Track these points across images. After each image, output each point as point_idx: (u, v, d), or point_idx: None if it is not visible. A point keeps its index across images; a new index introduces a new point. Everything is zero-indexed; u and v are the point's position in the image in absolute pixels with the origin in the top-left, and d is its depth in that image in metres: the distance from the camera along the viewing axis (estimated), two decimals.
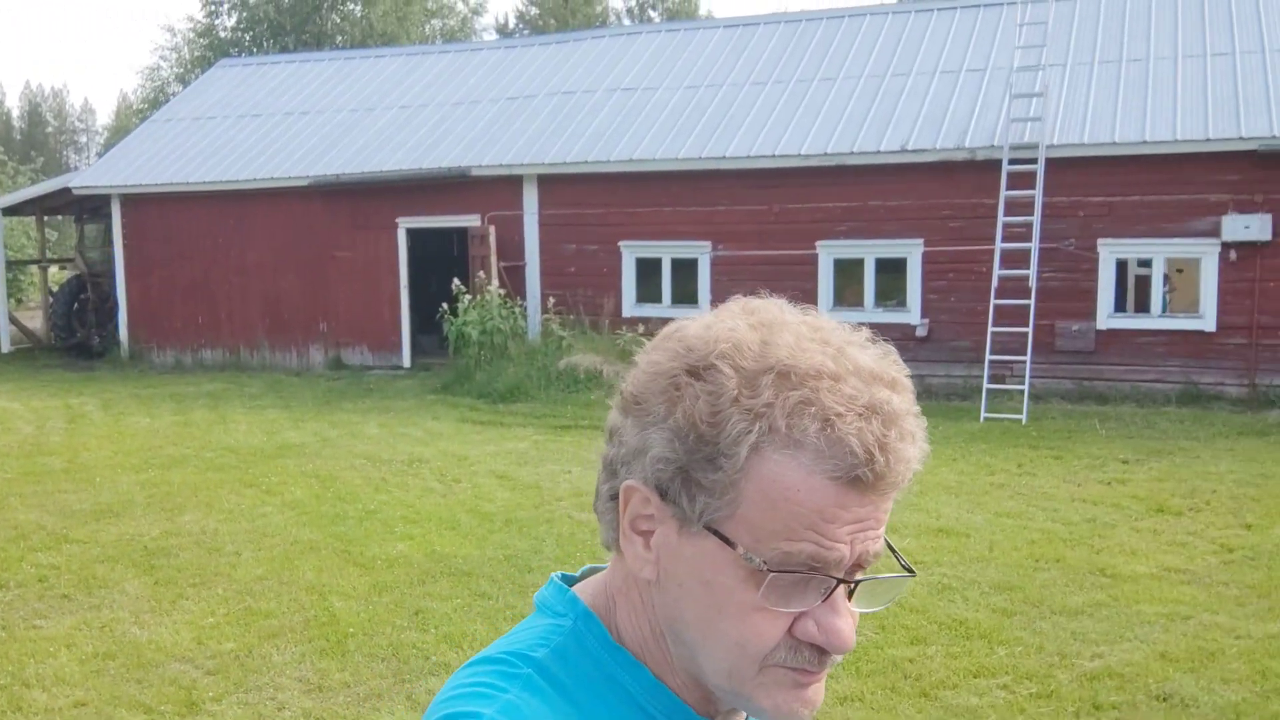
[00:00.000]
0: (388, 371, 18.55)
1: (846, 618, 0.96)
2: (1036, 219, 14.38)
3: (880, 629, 6.25)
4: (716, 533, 0.95)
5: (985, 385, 13.76)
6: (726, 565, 0.95)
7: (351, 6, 41.36)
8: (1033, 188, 14.47)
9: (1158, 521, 8.72)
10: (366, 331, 19.17)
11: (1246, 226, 13.95)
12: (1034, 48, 16.12)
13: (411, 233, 18.97)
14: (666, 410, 0.96)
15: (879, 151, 15.66)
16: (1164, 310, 14.87)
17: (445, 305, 16.53)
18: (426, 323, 18.57)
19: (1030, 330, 14.06)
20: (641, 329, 16.04)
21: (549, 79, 20.26)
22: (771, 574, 0.93)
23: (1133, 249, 14.68)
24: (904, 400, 0.96)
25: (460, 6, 47.32)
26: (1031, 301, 14.14)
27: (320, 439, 12.66)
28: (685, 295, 17.11)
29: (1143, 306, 14.88)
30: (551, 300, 17.10)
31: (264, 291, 19.81)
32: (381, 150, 19.35)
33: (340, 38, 40.26)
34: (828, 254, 16.32)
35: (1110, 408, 13.99)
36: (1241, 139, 13.91)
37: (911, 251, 15.85)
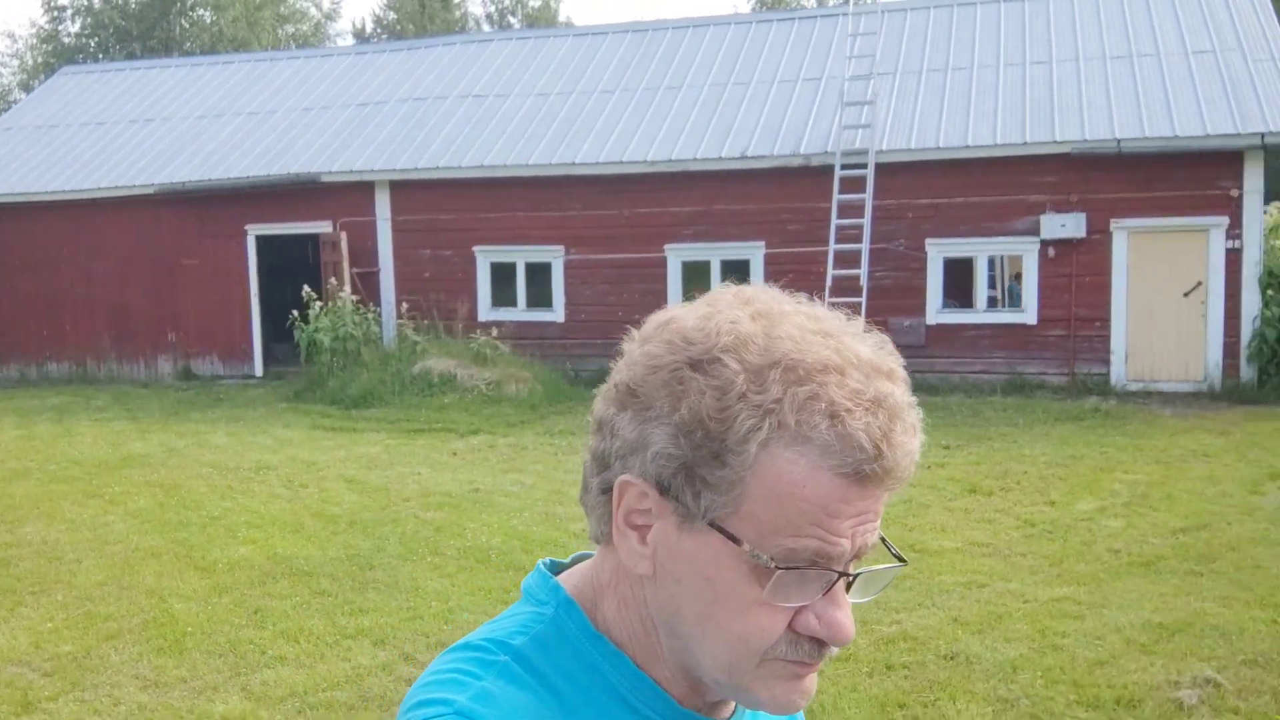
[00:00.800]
0: (239, 381, 18.44)
1: (846, 610, 0.96)
2: (867, 221, 15.08)
3: None
4: (721, 529, 0.94)
5: None
6: (729, 561, 0.94)
7: (201, 12, 40.60)
8: (863, 191, 15.17)
9: (970, 501, 9.36)
10: (217, 341, 19.00)
11: (1063, 225, 14.86)
12: (865, 57, 16.86)
13: (264, 240, 18.89)
14: (670, 405, 0.94)
15: (720, 158, 16.22)
16: (1001, 304, 15.72)
17: (296, 313, 16.53)
18: (282, 331, 18.51)
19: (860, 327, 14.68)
20: (495, 332, 16.30)
21: (401, 85, 20.37)
22: (779, 571, 0.93)
23: (959, 248, 15.51)
24: (903, 392, 0.95)
25: (313, 12, 46.82)
26: (863, 300, 14.81)
27: (167, 449, 12.61)
28: (540, 299, 17.42)
29: (970, 302, 15.72)
30: (405, 306, 17.24)
31: (110, 302, 19.47)
32: (229, 157, 19.22)
33: (189, 44, 39.49)
34: (676, 257, 16.80)
35: (940, 398, 14.72)
36: (1056, 142, 14.82)
37: (754, 254, 16.44)
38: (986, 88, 16.21)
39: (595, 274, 17.02)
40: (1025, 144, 14.92)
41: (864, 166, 15.28)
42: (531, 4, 55.87)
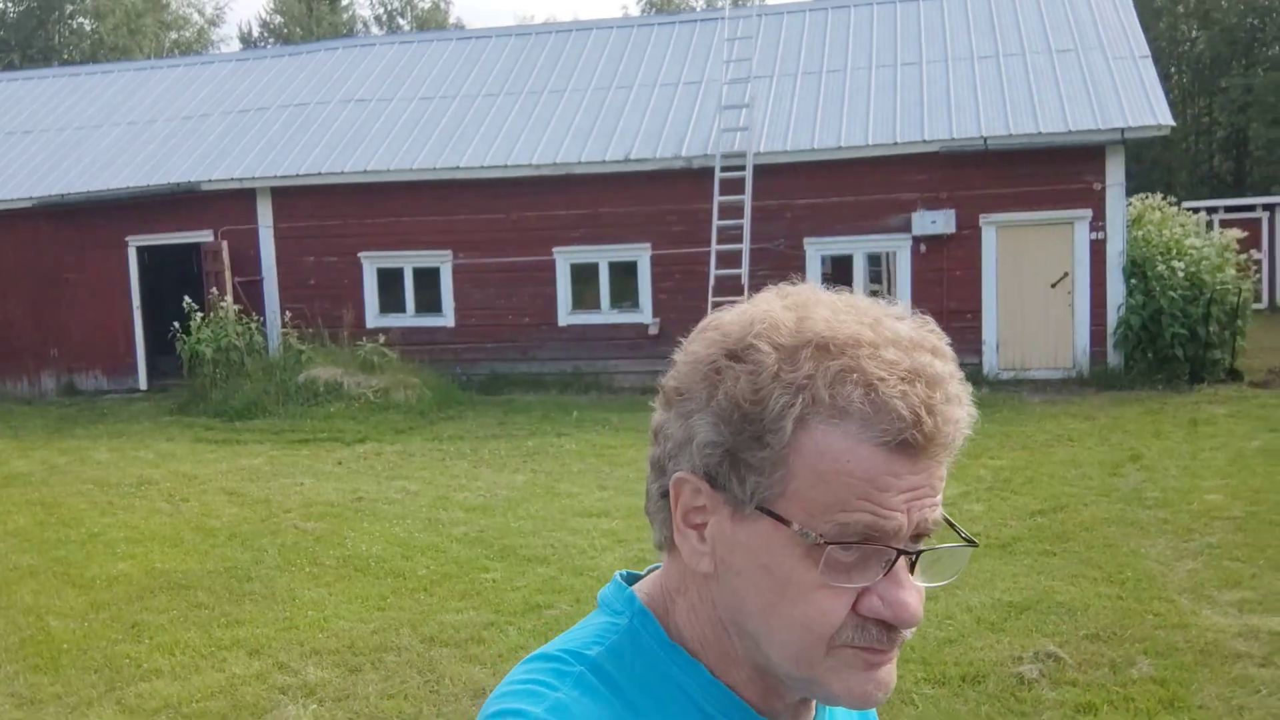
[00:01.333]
0: (124, 395, 18.14)
1: (911, 590, 0.94)
2: (746, 222, 15.41)
3: (552, 593, 6.86)
4: (769, 512, 0.94)
5: None
6: (783, 545, 0.94)
7: (80, 20, 39.67)
8: (743, 193, 15.49)
9: None
10: (100, 355, 18.67)
11: (933, 221, 15.35)
12: (743, 61, 17.19)
13: (147, 251, 18.61)
14: (709, 394, 0.96)
15: (604, 161, 16.42)
16: (884, 298, 16.13)
17: (178, 324, 16.34)
18: (166, 343, 18.25)
19: None
20: (383, 339, 16.29)
21: (282, 91, 20.20)
22: (829, 546, 0.92)
23: (836, 246, 15.93)
24: (946, 365, 0.95)
25: (196, 18, 45.99)
26: (744, 298, 15.05)
27: (48, 467, 12.42)
28: (429, 304, 17.44)
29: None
30: (289, 314, 17.13)
31: None
32: (109, 168, 18.90)
33: (69, 52, 38.56)
34: (564, 259, 16.96)
35: None
36: (925, 141, 15.31)
37: (641, 255, 16.67)
38: (859, 89, 16.65)
39: (484, 278, 17.10)
40: (896, 144, 15.38)
41: (742, 169, 15.60)
42: (421, 6, 55.57)
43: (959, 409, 0.93)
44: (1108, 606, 6.48)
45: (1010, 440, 11.57)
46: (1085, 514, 8.59)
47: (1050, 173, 15.12)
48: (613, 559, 7.82)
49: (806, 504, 0.92)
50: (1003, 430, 12.04)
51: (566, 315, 16.88)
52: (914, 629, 0.95)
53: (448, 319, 17.24)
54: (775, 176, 15.77)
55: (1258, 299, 25.41)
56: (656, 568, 1.11)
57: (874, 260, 16.19)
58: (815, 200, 15.86)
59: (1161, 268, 14.67)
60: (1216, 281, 14.62)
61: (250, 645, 6.43)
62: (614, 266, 16.90)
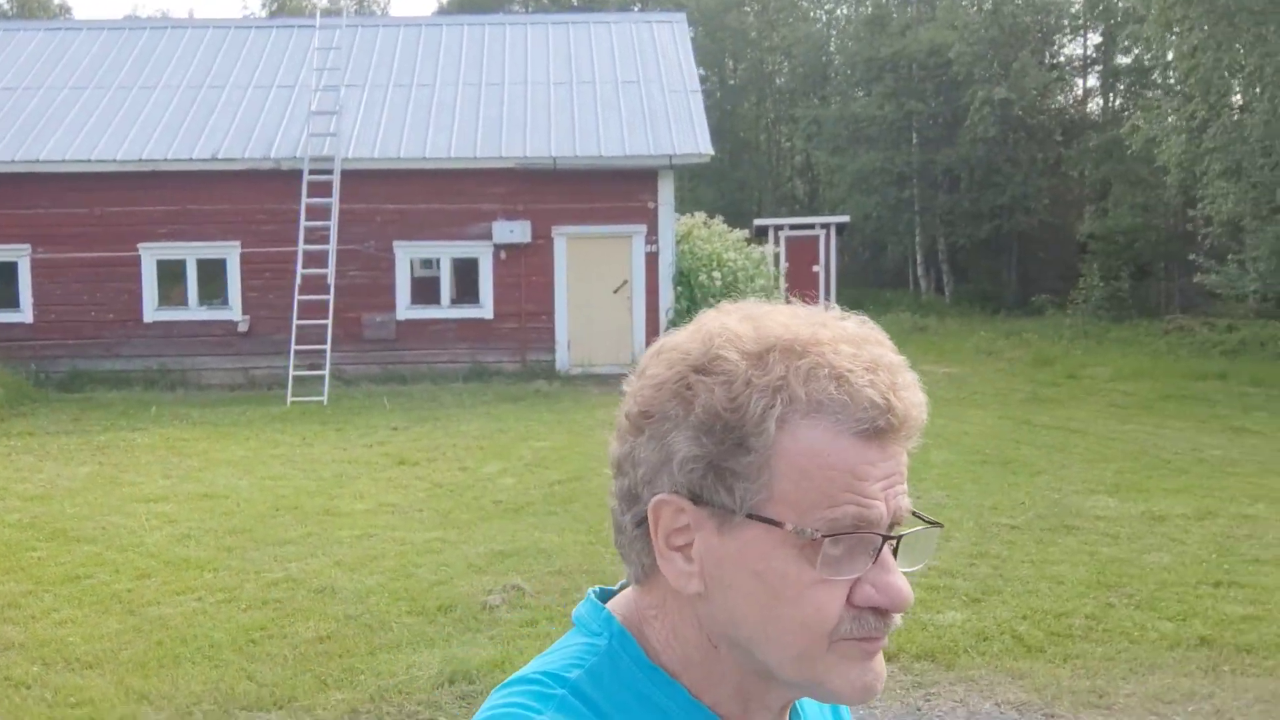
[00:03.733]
0: None
1: (899, 574, 0.96)
2: (333, 224, 16.19)
3: (140, 577, 7.48)
4: (760, 517, 0.93)
5: (291, 372, 15.36)
6: (775, 549, 0.94)
7: None
8: (330, 196, 16.24)
9: (396, 471, 10.69)
10: None
11: (512, 231, 16.71)
12: (335, 69, 17.94)
13: None
14: (684, 410, 0.95)
15: (192, 159, 16.68)
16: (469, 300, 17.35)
17: None
18: None
19: (329, 323, 15.80)
20: None
21: None
22: (826, 539, 0.92)
23: (424, 250, 17.00)
24: (897, 355, 0.98)
25: None
26: (330, 297, 15.90)
27: None
28: (4, 299, 16.96)
29: (436, 299, 17.25)
30: None
31: None
32: None
33: None
34: (150, 255, 17.03)
35: (408, 386, 16.13)
36: (502, 157, 16.65)
37: (230, 253, 17.04)
38: (446, 104, 17.80)
39: (65, 273, 16.85)
40: (476, 158, 16.65)
41: (330, 173, 16.34)
42: None
43: (918, 393, 0.97)
44: (578, 551, 7.83)
45: (560, 426, 13.00)
46: (596, 482, 9.99)
47: (612, 191, 16.85)
48: (159, 537, 8.43)
49: (795, 503, 0.93)
50: (557, 418, 13.49)
51: (152, 312, 16.95)
52: (905, 610, 0.98)
53: (25, 315, 16.85)
54: (364, 182, 16.62)
55: None
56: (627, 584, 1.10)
57: (461, 264, 17.34)
58: (403, 206, 16.84)
59: (703, 277, 16.72)
60: (749, 289, 16.82)
61: None
62: (202, 264, 17.15)
